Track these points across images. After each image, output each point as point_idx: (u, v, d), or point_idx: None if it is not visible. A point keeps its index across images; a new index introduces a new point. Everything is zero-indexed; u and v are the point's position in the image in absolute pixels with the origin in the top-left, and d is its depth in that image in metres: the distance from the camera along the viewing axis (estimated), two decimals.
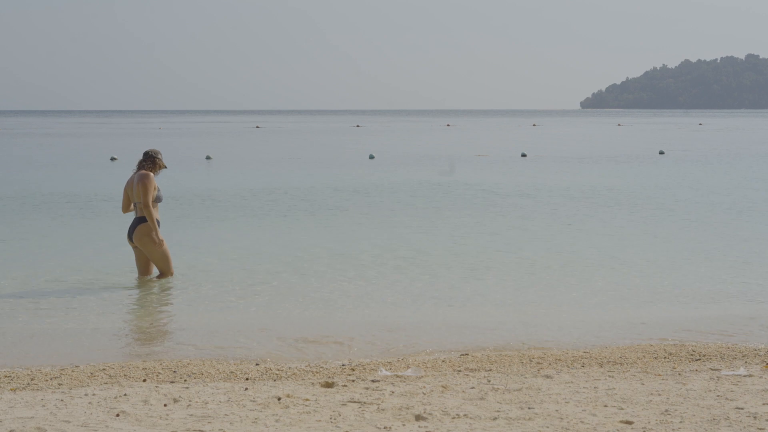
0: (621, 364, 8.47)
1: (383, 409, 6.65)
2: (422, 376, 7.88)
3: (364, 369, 8.27)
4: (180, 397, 7.01)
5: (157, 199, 12.70)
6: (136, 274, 13.02)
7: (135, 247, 12.82)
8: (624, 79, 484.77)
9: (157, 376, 7.93)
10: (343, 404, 6.81)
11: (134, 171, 12.84)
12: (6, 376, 7.91)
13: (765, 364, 8.40)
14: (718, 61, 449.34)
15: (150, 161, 12.79)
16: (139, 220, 12.64)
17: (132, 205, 12.82)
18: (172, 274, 12.83)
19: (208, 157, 44.17)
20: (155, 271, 12.92)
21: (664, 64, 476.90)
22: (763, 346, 9.35)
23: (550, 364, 8.44)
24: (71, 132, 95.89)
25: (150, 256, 12.75)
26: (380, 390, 7.28)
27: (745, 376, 7.85)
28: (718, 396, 7.07)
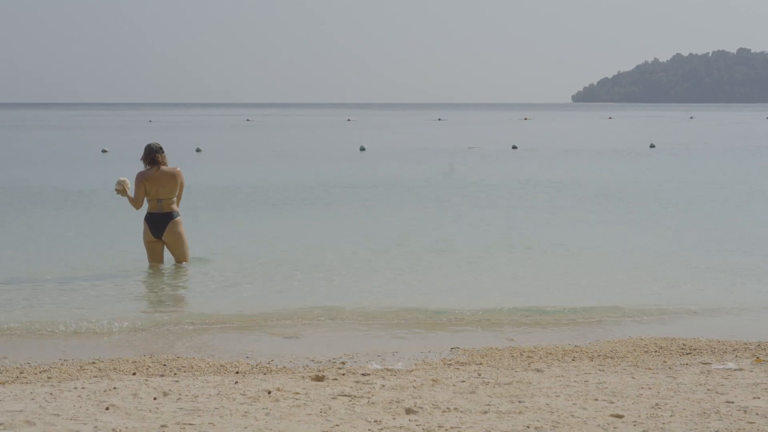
0: (612, 357, 8.47)
1: (373, 403, 6.64)
2: (412, 370, 7.87)
3: (355, 363, 8.26)
4: (170, 390, 6.99)
5: None
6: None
7: (155, 242, 12.85)
8: (616, 73, 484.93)
9: (146, 369, 7.91)
10: (333, 398, 6.80)
11: (152, 167, 12.68)
12: None
13: (755, 357, 8.41)
14: (710, 55, 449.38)
15: (162, 155, 12.79)
16: (169, 216, 12.74)
17: (145, 200, 12.78)
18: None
19: (198, 150, 44.11)
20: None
21: (655, 58, 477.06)
22: (753, 339, 9.35)
23: (540, 358, 8.44)
24: (64, 125, 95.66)
25: (180, 249, 12.94)
26: (370, 383, 7.27)
27: (735, 369, 7.86)
28: (708, 390, 7.07)
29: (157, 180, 12.67)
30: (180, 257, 13.05)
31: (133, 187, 12.84)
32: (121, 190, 12.74)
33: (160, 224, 12.77)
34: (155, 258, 12.98)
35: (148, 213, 12.83)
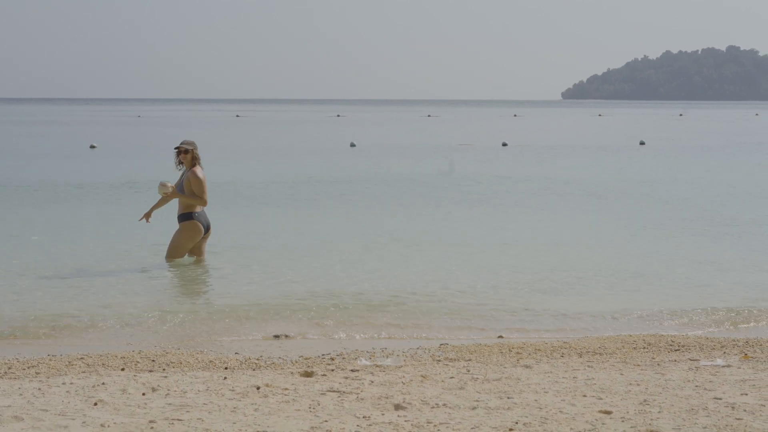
0: (600, 354, 8.49)
1: (362, 399, 6.64)
2: (401, 366, 7.87)
3: (344, 359, 8.26)
4: (158, 386, 6.98)
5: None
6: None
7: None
8: (605, 70, 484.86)
9: (135, 365, 7.90)
10: (322, 393, 6.80)
11: (200, 166, 12.97)
12: None
13: (743, 354, 8.44)
14: (699, 52, 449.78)
15: None
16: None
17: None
18: None
19: None
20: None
21: (645, 56, 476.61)
22: (741, 336, 9.38)
23: (529, 354, 8.45)
24: (56, 120, 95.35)
25: (204, 246, 13.19)
26: (359, 379, 7.27)
27: (723, 366, 7.88)
28: (696, 386, 7.09)
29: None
30: (203, 253, 13.20)
31: (196, 185, 12.73)
32: (172, 192, 12.76)
33: (207, 220, 13.06)
34: (182, 254, 13.11)
35: (195, 212, 12.86)
